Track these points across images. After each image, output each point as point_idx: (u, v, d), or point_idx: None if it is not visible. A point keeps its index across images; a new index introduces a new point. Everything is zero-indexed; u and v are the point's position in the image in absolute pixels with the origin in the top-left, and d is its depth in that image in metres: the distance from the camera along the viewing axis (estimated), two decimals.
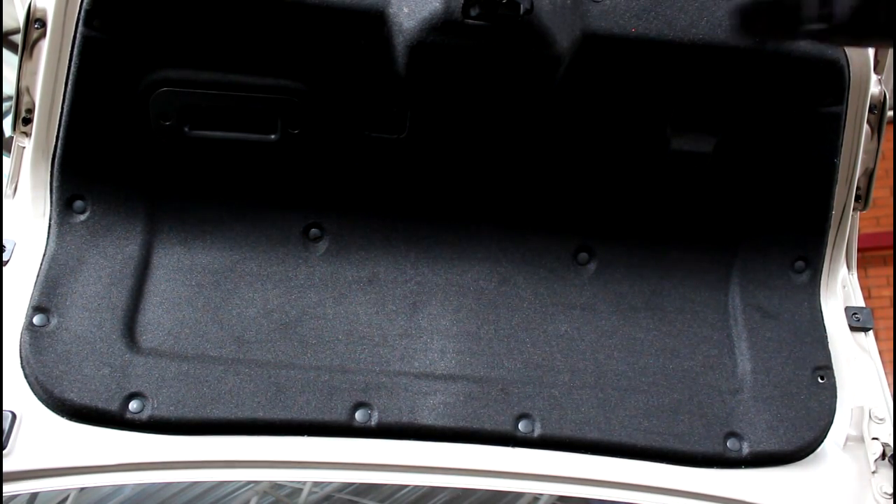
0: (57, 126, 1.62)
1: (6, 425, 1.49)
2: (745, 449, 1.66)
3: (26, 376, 1.55)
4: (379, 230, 1.83)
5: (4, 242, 1.65)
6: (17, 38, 1.65)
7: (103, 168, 1.68)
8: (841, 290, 1.89)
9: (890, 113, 1.82)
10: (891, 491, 1.63)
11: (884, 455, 1.66)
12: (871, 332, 1.87)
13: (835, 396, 1.73)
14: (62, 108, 1.60)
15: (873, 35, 1.28)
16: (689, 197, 1.84)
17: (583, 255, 1.87)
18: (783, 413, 1.69)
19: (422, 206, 1.83)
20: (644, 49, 1.59)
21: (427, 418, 1.63)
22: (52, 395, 1.54)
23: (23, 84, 1.62)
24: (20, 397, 1.53)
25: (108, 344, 1.59)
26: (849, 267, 1.92)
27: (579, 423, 1.66)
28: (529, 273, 1.85)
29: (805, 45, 1.62)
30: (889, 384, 1.81)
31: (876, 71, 1.73)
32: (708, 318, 1.85)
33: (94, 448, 1.52)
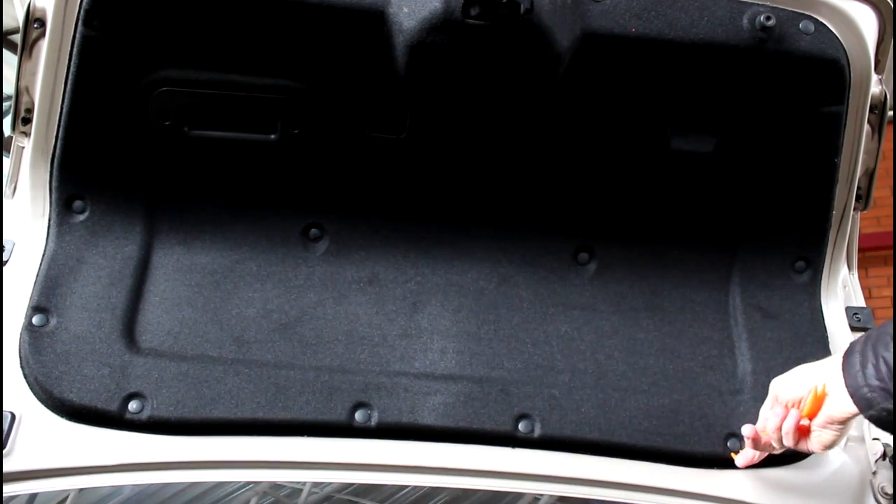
0: (56, 126, 1.61)
1: (6, 425, 1.49)
2: None
3: (26, 376, 1.55)
4: (379, 230, 1.82)
5: (4, 242, 1.65)
6: (17, 38, 1.65)
7: (103, 168, 1.68)
8: (842, 290, 1.88)
9: (890, 113, 1.82)
10: (891, 491, 1.63)
11: (884, 455, 1.66)
12: None
13: None
14: (61, 107, 1.59)
15: None
16: (690, 197, 1.84)
17: (583, 256, 1.87)
18: None
19: (422, 206, 1.82)
20: (644, 49, 1.59)
21: (427, 418, 1.62)
22: (52, 396, 1.53)
23: (22, 84, 1.61)
24: (20, 397, 1.53)
25: (107, 344, 1.59)
26: (849, 267, 1.92)
27: (579, 423, 1.66)
28: (529, 273, 1.85)
29: (805, 45, 1.62)
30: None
31: (876, 70, 1.72)
32: (708, 318, 1.85)
33: (93, 448, 1.52)
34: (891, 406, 1.24)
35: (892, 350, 1.25)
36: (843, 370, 1.31)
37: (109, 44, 1.55)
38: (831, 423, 1.37)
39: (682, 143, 1.74)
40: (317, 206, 1.80)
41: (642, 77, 1.66)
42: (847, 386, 1.30)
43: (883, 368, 1.25)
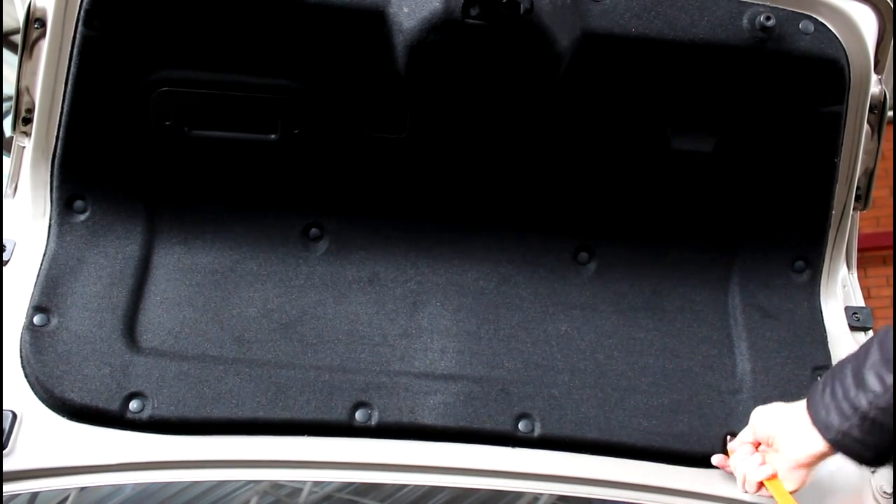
0: (57, 126, 1.61)
1: (7, 425, 1.50)
2: None
3: (27, 376, 1.55)
4: (379, 230, 1.82)
5: (5, 242, 1.65)
6: (17, 38, 1.65)
7: (103, 168, 1.68)
8: (841, 289, 1.89)
9: (890, 113, 1.82)
10: (891, 490, 1.63)
11: None
12: (871, 332, 1.87)
13: None
14: (62, 107, 1.60)
15: None
16: (690, 197, 1.84)
17: (583, 255, 1.87)
18: None
19: (422, 206, 1.83)
20: (644, 49, 1.59)
21: (427, 418, 1.63)
22: (53, 395, 1.54)
23: (23, 84, 1.62)
24: (21, 397, 1.54)
25: (108, 343, 1.59)
26: (849, 267, 1.92)
27: (579, 422, 1.66)
28: (529, 273, 1.85)
29: (805, 45, 1.62)
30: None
31: (876, 71, 1.72)
32: (708, 317, 1.85)
33: (94, 448, 1.52)
34: (845, 429, 1.31)
35: (848, 375, 1.32)
36: (808, 400, 1.38)
37: (109, 44, 1.55)
38: (797, 468, 1.43)
39: (682, 142, 1.75)
40: (317, 206, 1.81)
41: (642, 77, 1.66)
42: (809, 411, 1.37)
43: (839, 391, 1.32)
